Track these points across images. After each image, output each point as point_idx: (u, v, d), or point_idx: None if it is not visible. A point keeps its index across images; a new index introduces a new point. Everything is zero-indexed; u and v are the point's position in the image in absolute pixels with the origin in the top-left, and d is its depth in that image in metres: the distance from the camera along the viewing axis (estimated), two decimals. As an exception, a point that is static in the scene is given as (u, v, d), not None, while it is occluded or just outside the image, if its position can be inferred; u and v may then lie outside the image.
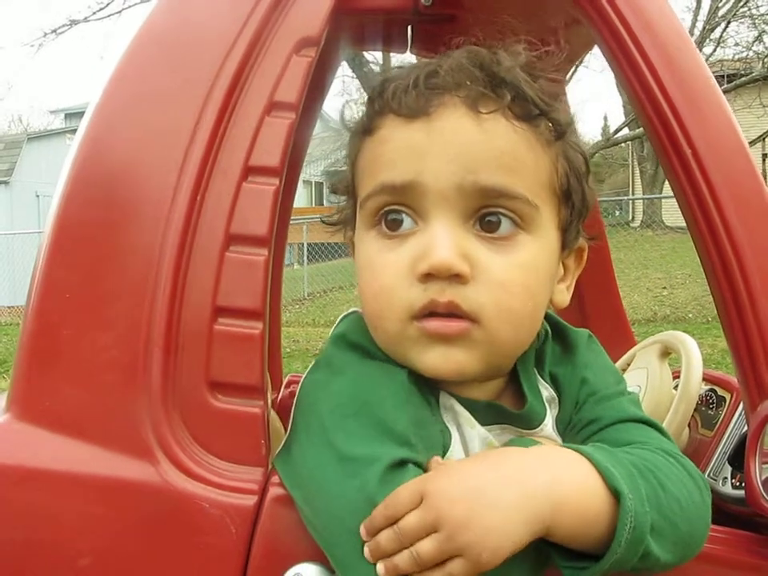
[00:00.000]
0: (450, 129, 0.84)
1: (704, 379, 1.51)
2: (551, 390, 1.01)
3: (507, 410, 0.95)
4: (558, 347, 1.03)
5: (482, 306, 0.83)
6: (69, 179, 0.99)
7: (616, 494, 0.77)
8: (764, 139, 15.10)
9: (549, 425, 0.98)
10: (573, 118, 0.92)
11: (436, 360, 0.85)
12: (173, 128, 0.97)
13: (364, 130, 0.92)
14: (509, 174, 0.84)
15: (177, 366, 0.92)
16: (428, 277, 0.83)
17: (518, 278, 0.85)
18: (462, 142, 0.83)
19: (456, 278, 0.82)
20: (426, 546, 0.73)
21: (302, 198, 25.13)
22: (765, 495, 0.96)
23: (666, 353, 1.52)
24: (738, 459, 1.20)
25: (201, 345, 0.92)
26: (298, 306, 12.58)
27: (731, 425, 1.35)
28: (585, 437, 0.96)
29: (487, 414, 0.94)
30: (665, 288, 11.03)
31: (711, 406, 1.48)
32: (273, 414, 1.44)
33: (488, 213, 0.85)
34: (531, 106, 0.85)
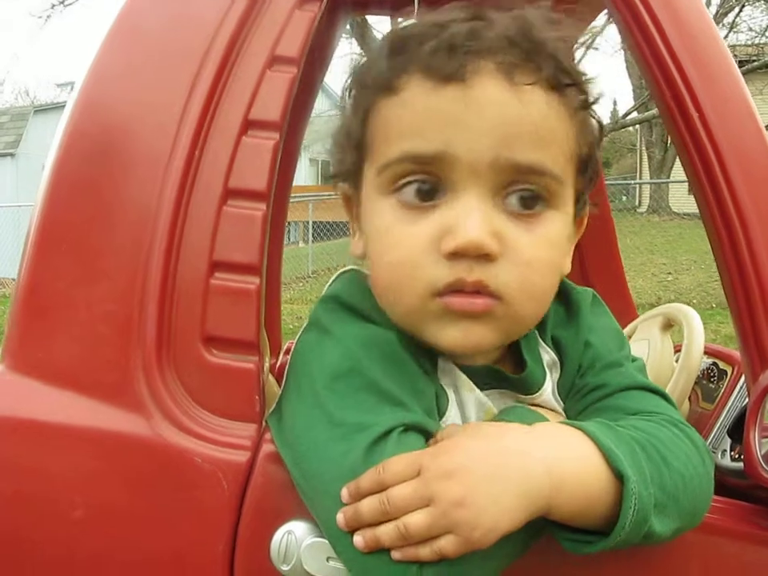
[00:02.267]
0: (487, 99, 0.79)
1: (706, 353, 1.51)
2: (552, 354, 0.99)
3: (506, 374, 0.94)
4: (561, 309, 1.00)
5: (507, 285, 0.81)
6: (65, 133, 0.98)
7: (619, 476, 0.76)
8: (774, 126, 14.99)
9: (548, 390, 0.96)
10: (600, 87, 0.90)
11: (456, 336, 0.83)
12: (171, 81, 0.96)
13: (382, 86, 0.84)
14: (541, 150, 0.81)
15: (172, 319, 0.91)
16: (455, 255, 0.80)
17: (543, 256, 0.83)
18: (498, 115, 0.79)
19: (485, 256, 0.79)
20: (417, 520, 0.71)
21: (308, 176, 25.09)
22: (764, 465, 0.95)
23: (669, 325, 1.51)
24: (737, 432, 1.19)
25: (196, 299, 0.91)
26: (302, 284, 12.58)
27: (732, 398, 1.34)
28: (589, 403, 0.95)
29: (485, 378, 0.93)
30: (670, 273, 11.00)
31: (713, 380, 1.47)
32: (271, 378, 1.43)
33: (517, 189, 0.82)
34: (566, 77, 0.83)
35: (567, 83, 0.83)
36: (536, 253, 0.82)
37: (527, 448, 0.76)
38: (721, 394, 1.40)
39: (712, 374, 1.48)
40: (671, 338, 1.53)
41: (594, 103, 0.87)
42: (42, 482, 0.90)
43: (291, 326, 8.25)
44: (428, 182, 0.82)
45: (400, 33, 0.86)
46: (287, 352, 1.76)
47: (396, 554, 0.72)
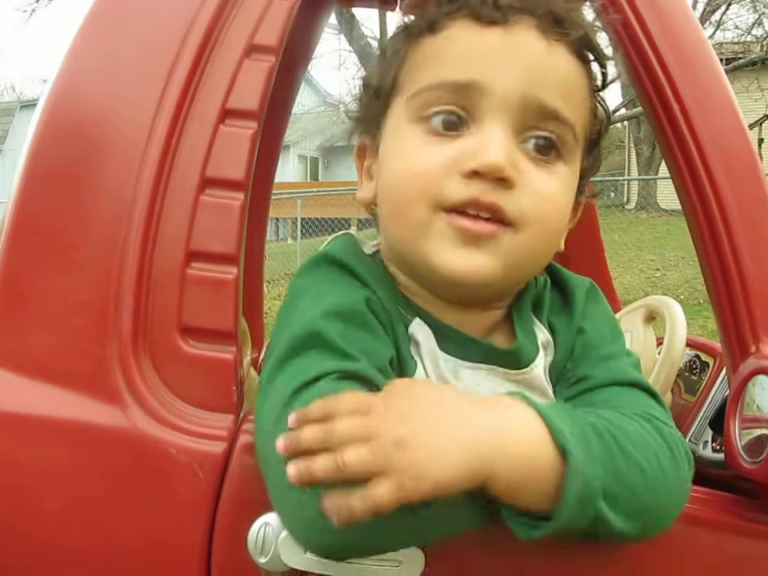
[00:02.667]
0: (523, 42, 0.86)
1: (688, 345, 1.51)
2: (548, 335, 0.99)
3: (496, 347, 0.94)
4: (557, 296, 1.02)
5: (523, 213, 0.84)
6: (40, 124, 0.96)
7: (563, 454, 0.74)
8: (761, 124, 15.07)
9: (539, 366, 0.96)
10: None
11: (458, 260, 0.84)
12: (148, 70, 0.95)
13: (425, 28, 0.91)
14: (566, 101, 0.87)
15: (148, 310, 0.90)
16: (474, 175, 0.82)
17: (557, 195, 0.88)
18: (533, 58, 0.86)
19: (502, 181, 0.83)
20: (354, 453, 0.67)
21: (297, 172, 25.06)
22: (744, 455, 0.95)
23: (651, 317, 1.52)
24: (718, 423, 1.20)
25: (173, 289, 0.90)
26: (290, 280, 12.59)
27: (713, 389, 1.35)
28: (574, 393, 0.94)
29: (474, 351, 0.93)
30: (657, 270, 11.04)
31: (695, 372, 1.48)
32: (253, 372, 1.43)
33: (538, 135, 0.87)
34: (591, 53, 0.91)
35: (589, 58, 0.91)
36: (552, 190, 0.87)
37: (477, 409, 0.75)
38: (703, 385, 1.40)
39: (694, 366, 1.49)
40: (654, 331, 1.53)
41: (608, 85, 0.95)
42: (17, 474, 0.89)
43: (279, 322, 8.24)
44: (456, 113, 0.86)
45: None
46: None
47: (328, 501, 0.68)
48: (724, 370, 1.34)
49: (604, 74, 0.94)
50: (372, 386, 0.79)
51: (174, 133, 0.93)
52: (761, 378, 0.95)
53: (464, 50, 0.87)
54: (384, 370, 0.84)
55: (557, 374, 0.98)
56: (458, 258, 0.84)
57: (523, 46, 0.86)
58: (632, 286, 9.90)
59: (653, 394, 0.94)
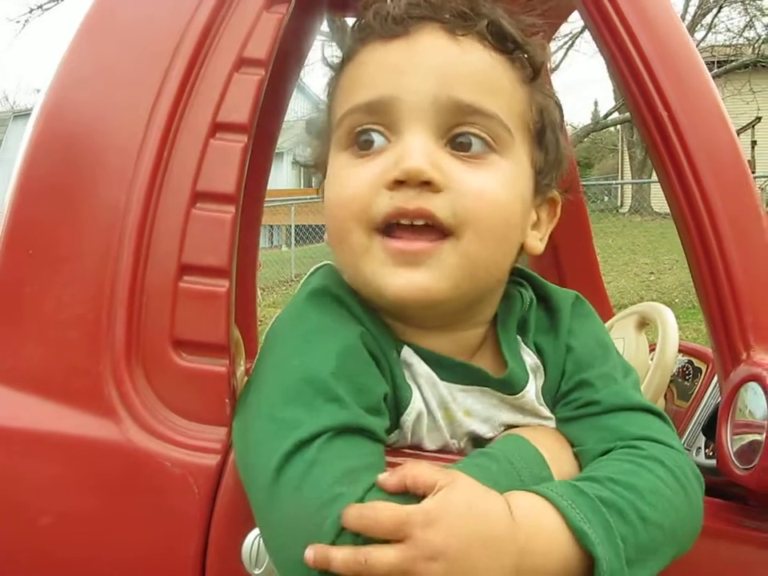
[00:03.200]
0: (428, 47, 0.86)
1: (681, 351, 1.51)
2: (535, 358, 0.98)
3: (487, 373, 0.93)
4: (542, 314, 1.00)
5: (456, 215, 0.82)
6: (33, 136, 0.97)
7: (592, 556, 0.74)
8: (753, 126, 15.12)
9: (531, 391, 0.95)
10: (550, 59, 0.93)
11: (400, 282, 0.82)
12: (139, 84, 0.96)
13: (343, 60, 0.93)
14: (484, 93, 0.85)
15: (141, 323, 0.91)
16: (398, 185, 0.82)
17: (492, 191, 0.84)
18: (438, 59, 0.85)
19: (427, 185, 0.81)
20: None
21: (291, 179, 25.03)
22: (735, 461, 0.95)
23: (643, 323, 1.52)
24: (711, 429, 1.20)
25: (165, 302, 0.91)
26: (285, 288, 12.53)
27: (706, 395, 1.35)
28: (580, 416, 0.94)
29: (464, 375, 0.92)
30: (652, 273, 11.04)
31: (688, 378, 1.48)
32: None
33: (461, 132, 0.85)
34: (508, 40, 0.88)
35: (510, 47, 0.89)
36: (485, 186, 0.84)
37: (508, 532, 0.73)
38: (695, 391, 1.41)
39: (687, 372, 1.49)
40: (647, 337, 1.53)
41: (539, 73, 0.91)
42: (11, 488, 0.89)
43: (274, 330, 8.21)
44: (375, 131, 0.86)
45: (360, 15, 0.93)
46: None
47: None
48: (716, 376, 1.34)
49: (532, 62, 0.91)
50: (368, 435, 0.80)
51: (166, 147, 0.93)
52: (752, 384, 0.95)
53: (373, 69, 0.88)
54: (378, 409, 0.84)
55: (550, 396, 0.98)
56: (399, 280, 0.82)
57: (428, 49, 0.86)
58: (627, 289, 9.90)
59: (658, 415, 0.94)
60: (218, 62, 0.96)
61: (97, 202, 0.94)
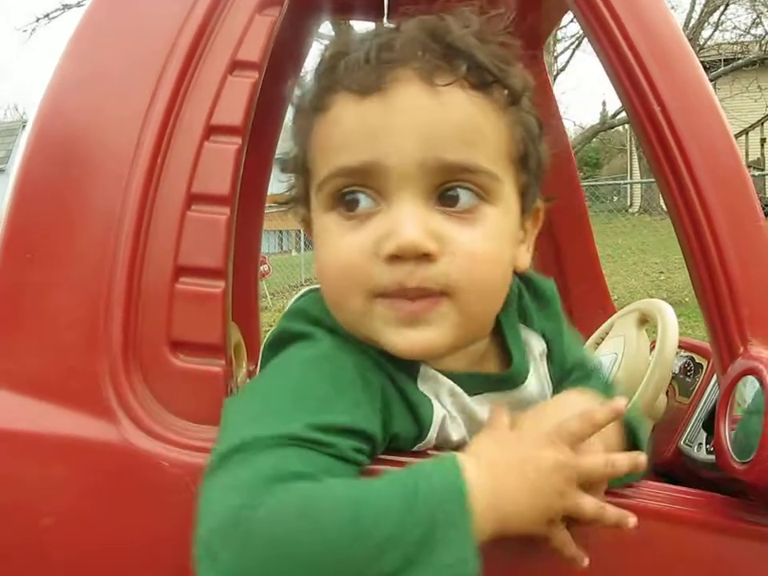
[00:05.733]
0: (408, 105, 0.81)
1: (682, 347, 1.51)
2: (543, 344, 0.99)
3: (491, 376, 0.94)
4: (534, 303, 1.01)
5: (452, 281, 0.80)
6: (30, 139, 0.98)
7: None
8: (762, 124, 15.06)
9: (532, 383, 0.96)
10: (528, 81, 0.89)
11: (404, 340, 0.82)
12: (133, 88, 0.97)
13: (315, 107, 0.87)
14: (470, 148, 0.82)
15: (138, 325, 0.91)
16: (394, 258, 0.79)
17: (486, 249, 0.83)
18: (421, 119, 0.80)
19: (424, 257, 0.80)
20: None
21: (299, 185, 25.00)
22: (734, 456, 0.95)
23: (644, 321, 1.52)
24: (712, 424, 1.20)
25: (162, 304, 0.91)
26: (294, 293, 12.55)
27: (707, 391, 1.34)
28: None
29: (472, 385, 0.92)
30: (662, 273, 11.00)
31: (689, 374, 1.48)
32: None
33: (449, 188, 0.82)
34: (486, 74, 0.83)
35: (488, 81, 0.83)
36: (478, 245, 0.82)
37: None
38: (696, 387, 1.40)
39: (688, 368, 1.49)
40: (647, 334, 1.53)
41: (519, 100, 0.87)
42: (11, 490, 0.90)
43: (283, 334, 8.23)
44: (364, 192, 0.83)
45: (327, 52, 0.88)
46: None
47: None
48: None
49: (511, 91, 0.86)
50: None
51: (160, 149, 0.94)
52: (749, 378, 0.95)
53: (349, 130, 0.83)
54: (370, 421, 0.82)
55: (556, 380, 1.00)
56: (404, 339, 0.82)
57: (406, 107, 0.81)
58: (636, 289, 9.88)
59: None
60: (212, 65, 0.97)
61: (93, 205, 0.95)
